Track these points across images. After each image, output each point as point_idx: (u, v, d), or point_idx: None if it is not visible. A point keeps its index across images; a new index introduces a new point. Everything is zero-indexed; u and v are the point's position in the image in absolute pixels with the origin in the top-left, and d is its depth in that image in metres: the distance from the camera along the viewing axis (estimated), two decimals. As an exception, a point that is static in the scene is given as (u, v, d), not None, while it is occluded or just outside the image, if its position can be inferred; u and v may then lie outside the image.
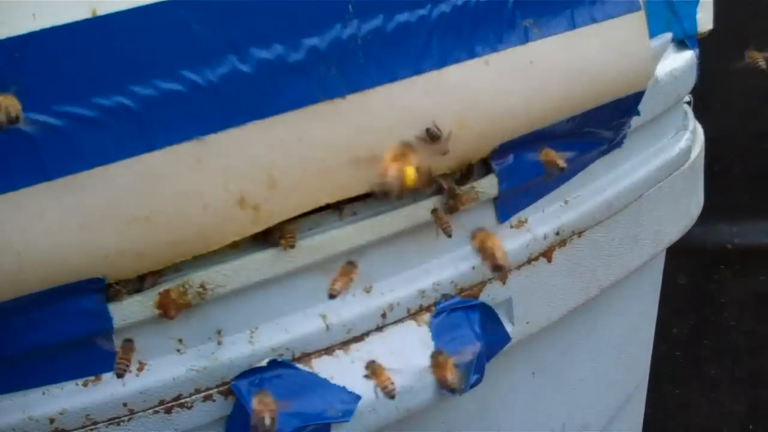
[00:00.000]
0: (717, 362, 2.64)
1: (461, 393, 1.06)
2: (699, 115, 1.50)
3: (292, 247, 0.95)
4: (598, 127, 1.15)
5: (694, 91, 1.42)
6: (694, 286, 2.53)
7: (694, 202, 1.46)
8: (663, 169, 1.33)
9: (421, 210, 1.05)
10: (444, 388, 1.04)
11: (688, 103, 1.47)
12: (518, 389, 1.30)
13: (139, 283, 0.93)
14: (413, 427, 1.15)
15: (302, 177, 0.94)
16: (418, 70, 0.97)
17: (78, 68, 0.82)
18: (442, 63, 0.98)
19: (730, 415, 2.65)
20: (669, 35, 1.22)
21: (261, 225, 0.94)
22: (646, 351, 1.63)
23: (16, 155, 0.81)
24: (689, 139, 1.39)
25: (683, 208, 1.42)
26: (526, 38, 1.03)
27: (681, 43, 1.34)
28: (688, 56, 1.33)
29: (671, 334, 2.56)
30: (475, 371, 1.07)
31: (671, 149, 1.35)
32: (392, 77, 0.96)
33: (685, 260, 2.37)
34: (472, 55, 1.00)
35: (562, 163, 1.09)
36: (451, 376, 1.03)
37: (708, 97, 1.59)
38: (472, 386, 1.07)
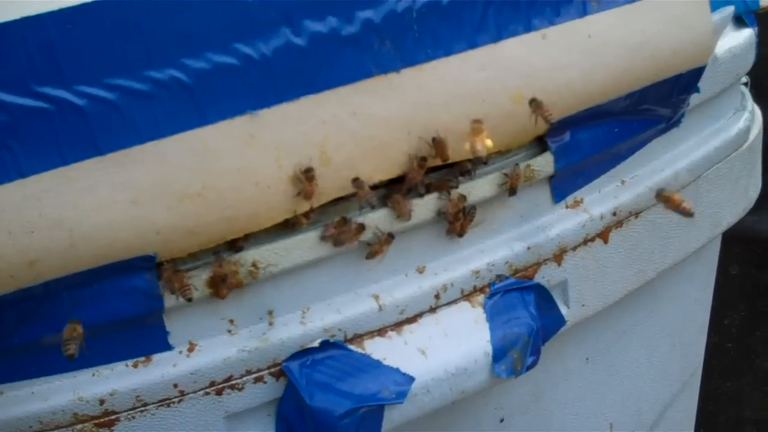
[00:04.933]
0: (769, 354, 2.59)
1: (517, 376, 1.04)
2: (754, 100, 1.46)
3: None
4: (657, 104, 1.12)
5: (750, 76, 1.39)
6: (746, 276, 2.48)
7: (753, 184, 1.42)
8: (721, 149, 1.29)
9: (475, 189, 1.03)
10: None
11: (746, 84, 1.43)
12: (572, 375, 1.28)
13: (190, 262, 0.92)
14: (466, 412, 1.14)
15: (356, 153, 0.92)
16: (473, 44, 0.95)
17: (130, 41, 0.81)
18: (498, 37, 0.96)
19: (782, 409, 2.61)
20: (731, 9, 1.19)
21: (315, 202, 0.92)
22: (701, 339, 1.60)
23: (67, 129, 0.79)
24: (748, 119, 1.35)
25: (741, 190, 1.38)
26: (584, 11, 1.00)
27: (739, 21, 1.30)
28: (747, 34, 1.29)
29: (722, 326, 2.51)
30: (531, 353, 1.05)
31: (729, 129, 1.32)
32: (447, 51, 0.94)
33: (737, 250, 2.32)
34: (528, 28, 0.98)
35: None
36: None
37: (763, 82, 1.55)
38: (528, 368, 1.05)
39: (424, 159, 0.96)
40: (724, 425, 2.60)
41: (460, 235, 1.04)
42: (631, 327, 1.34)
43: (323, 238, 0.95)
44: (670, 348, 1.45)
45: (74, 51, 0.79)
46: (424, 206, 1.01)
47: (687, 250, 1.30)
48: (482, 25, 0.95)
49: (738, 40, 1.28)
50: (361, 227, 0.97)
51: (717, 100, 1.29)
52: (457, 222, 1.03)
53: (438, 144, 0.96)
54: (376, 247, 0.98)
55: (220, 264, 0.91)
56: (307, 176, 0.89)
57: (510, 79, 0.97)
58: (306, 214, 0.93)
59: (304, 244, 0.95)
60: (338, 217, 0.97)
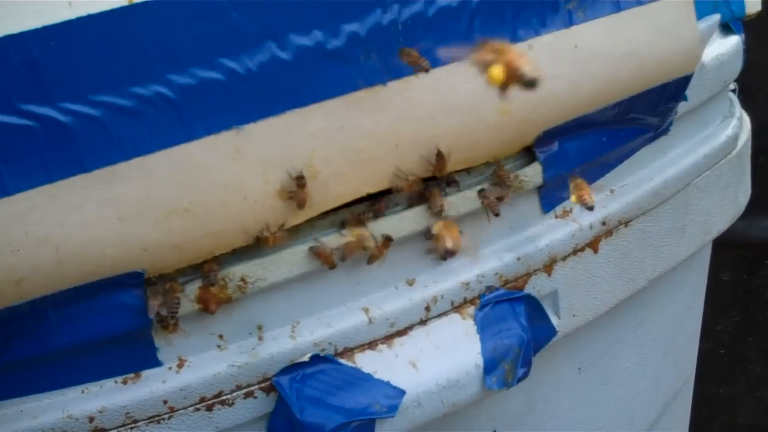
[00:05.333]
0: (762, 360, 2.59)
1: (509, 387, 1.04)
2: (742, 106, 1.46)
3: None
4: (645, 113, 1.12)
5: (737, 82, 1.39)
6: (738, 282, 2.48)
7: (742, 191, 1.43)
8: (710, 156, 1.29)
9: (464, 200, 1.03)
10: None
11: (733, 90, 1.43)
12: (564, 386, 1.27)
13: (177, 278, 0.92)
14: (458, 425, 1.13)
15: (344, 167, 0.92)
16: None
17: (115, 57, 0.80)
18: (484, 48, 0.96)
19: (775, 414, 2.60)
20: (717, 17, 1.18)
21: (302, 216, 0.92)
22: (693, 346, 1.60)
23: (52, 146, 0.79)
24: (736, 126, 1.35)
25: (731, 197, 1.38)
26: (570, 21, 1.00)
27: (726, 28, 1.30)
28: (734, 41, 1.30)
29: (714, 332, 2.51)
30: (523, 364, 1.05)
31: (718, 137, 1.32)
32: (433, 63, 0.93)
33: (728, 255, 2.32)
34: (515, 39, 0.97)
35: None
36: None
37: (751, 88, 1.55)
38: (520, 380, 1.05)
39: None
40: (717, 431, 2.60)
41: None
42: (622, 336, 1.33)
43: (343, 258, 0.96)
44: (662, 356, 1.45)
45: (58, 68, 0.78)
46: (413, 219, 1.00)
47: (677, 258, 1.30)
48: (468, 36, 0.95)
49: (725, 47, 1.28)
50: (389, 239, 0.98)
51: (705, 108, 1.29)
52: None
53: (440, 159, 0.97)
54: (375, 251, 0.98)
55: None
56: (299, 184, 0.89)
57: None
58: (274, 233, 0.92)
59: (293, 258, 0.94)
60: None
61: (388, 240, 0.98)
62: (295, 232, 0.94)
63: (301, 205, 0.90)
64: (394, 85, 0.92)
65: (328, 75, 0.89)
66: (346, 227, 0.97)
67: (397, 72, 0.92)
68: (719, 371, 2.55)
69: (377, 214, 0.99)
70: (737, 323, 2.55)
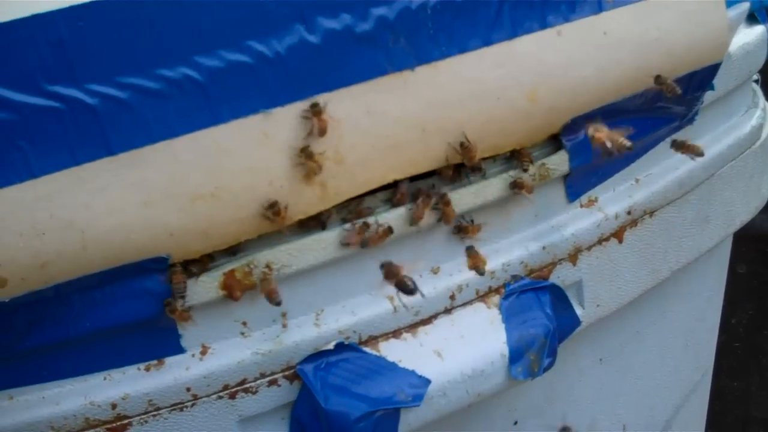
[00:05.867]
0: (778, 354, 2.57)
1: (534, 377, 1.03)
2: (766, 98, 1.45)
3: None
4: (671, 101, 1.11)
5: (760, 74, 1.38)
6: (754, 275, 2.46)
7: (765, 182, 1.41)
8: (735, 147, 1.28)
9: (490, 188, 1.02)
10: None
11: (756, 81, 1.42)
12: (585, 377, 1.26)
13: (203, 264, 0.91)
14: (479, 415, 1.12)
15: (370, 152, 0.91)
16: (488, 41, 0.94)
17: (143, 38, 0.79)
18: (513, 34, 0.95)
19: (791, 409, 2.59)
20: (746, 5, 1.17)
21: (329, 202, 0.91)
22: (712, 338, 1.58)
23: (78, 129, 0.78)
24: (760, 117, 1.34)
25: (754, 188, 1.37)
26: (599, 8, 0.99)
27: (751, 17, 1.29)
28: (760, 31, 1.28)
29: (730, 325, 2.49)
30: (548, 354, 1.04)
31: (743, 127, 1.31)
32: (462, 49, 0.92)
33: (744, 248, 2.30)
34: (543, 25, 0.96)
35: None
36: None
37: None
38: (545, 370, 1.04)
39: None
40: (731, 424, 2.58)
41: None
42: (644, 327, 1.32)
43: (346, 244, 0.94)
44: (683, 348, 1.44)
45: (85, 49, 0.77)
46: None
47: (701, 249, 1.29)
48: (497, 22, 0.94)
49: (750, 36, 1.27)
50: (389, 230, 0.97)
51: (730, 98, 1.28)
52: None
53: (466, 149, 0.95)
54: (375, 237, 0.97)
55: (232, 268, 0.89)
56: (314, 111, 0.87)
57: (525, 76, 0.96)
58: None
59: (319, 245, 0.94)
60: (360, 223, 0.95)
61: (389, 230, 0.97)
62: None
63: (322, 132, 0.88)
64: (422, 71, 0.91)
65: (355, 59, 0.88)
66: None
67: (426, 57, 0.91)
68: (734, 365, 2.54)
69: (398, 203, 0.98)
70: (752, 316, 2.53)
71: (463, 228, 1.02)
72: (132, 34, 0.79)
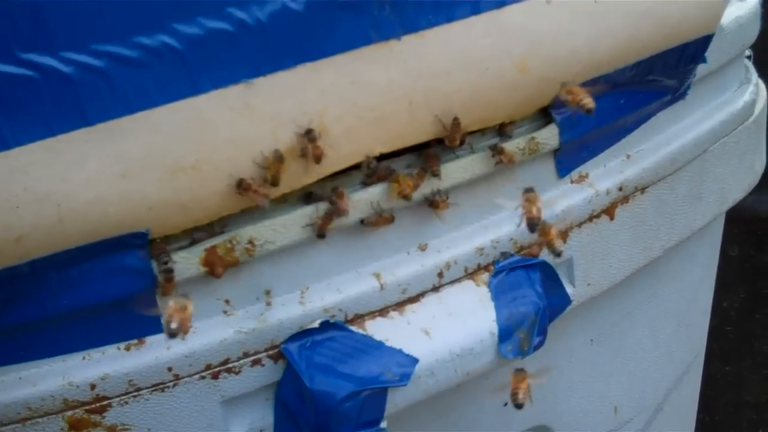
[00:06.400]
0: (769, 338, 2.57)
1: (524, 356, 1.01)
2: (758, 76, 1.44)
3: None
4: (663, 74, 1.09)
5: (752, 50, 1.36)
6: (745, 257, 2.45)
7: (758, 159, 1.40)
8: (727, 123, 1.26)
9: (479, 163, 1.00)
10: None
11: (749, 57, 1.40)
12: (576, 357, 1.25)
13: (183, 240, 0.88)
14: (468, 394, 1.10)
15: (356, 124, 0.89)
16: (476, 10, 0.91)
17: (120, 5, 0.76)
18: (501, 2, 0.92)
19: (782, 393, 2.58)
20: (738, -25, 1.16)
21: (313, 176, 0.89)
22: (705, 320, 1.57)
23: (54, 98, 0.75)
24: (753, 92, 1.32)
25: (747, 165, 1.36)
26: (590, -24, 0.97)
27: (744, -11, 1.27)
28: (752, 4, 1.27)
29: (721, 308, 2.48)
30: (538, 333, 1.02)
31: (735, 102, 1.29)
32: (450, 17, 0.90)
33: (735, 231, 2.28)
34: (532, -8, 0.94)
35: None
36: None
37: (766, 58, 1.52)
38: (535, 348, 1.02)
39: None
40: (723, 409, 2.58)
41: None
42: (635, 307, 1.31)
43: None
44: (675, 329, 1.42)
45: (61, 15, 0.74)
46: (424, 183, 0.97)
47: (693, 227, 1.28)
48: (486, -12, 0.92)
49: (743, 9, 1.25)
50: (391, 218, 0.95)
51: (722, 73, 1.26)
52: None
53: (454, 126, 0.93)
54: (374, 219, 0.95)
55: (214, 244, 0.87)
56: (309, 138, 0.86)
57: (514, 46, 0.94)
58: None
59: (303, 221, 0.91)
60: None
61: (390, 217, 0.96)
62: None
63: (318, 159, 0.87)
64: (409, 40, 0.89)
65: (340, 27, 0.85)
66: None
67: (412, 26, 0.89)
68: (725, 348, 2.53)
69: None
70: (744, 299, 2.52)
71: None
72: (109, 1, 0.76)
